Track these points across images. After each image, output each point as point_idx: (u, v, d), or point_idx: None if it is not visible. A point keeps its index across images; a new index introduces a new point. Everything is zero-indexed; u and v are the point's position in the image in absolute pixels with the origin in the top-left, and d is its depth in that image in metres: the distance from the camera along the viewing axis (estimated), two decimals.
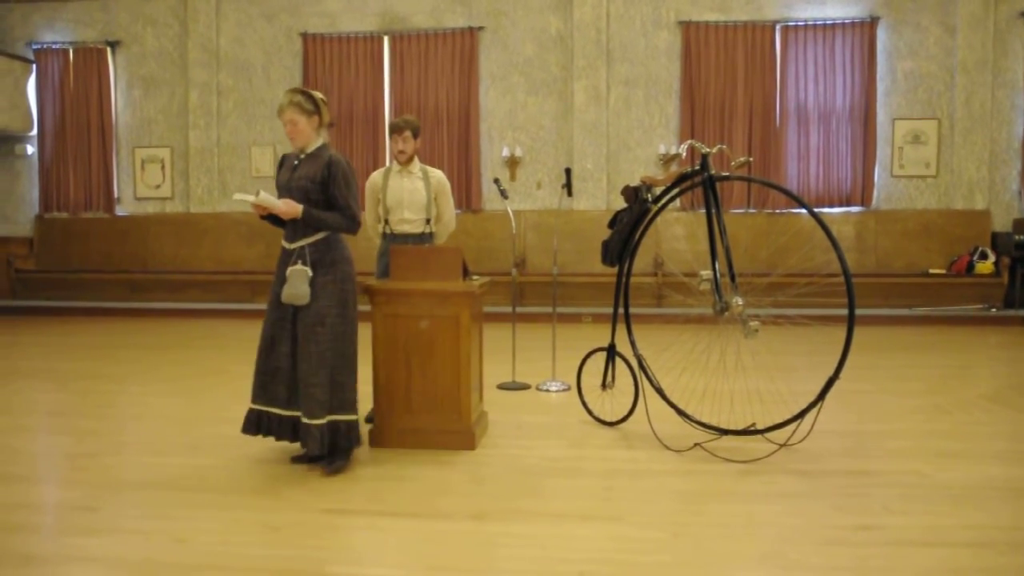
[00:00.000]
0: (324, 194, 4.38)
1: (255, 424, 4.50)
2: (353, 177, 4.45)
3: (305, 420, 4.32)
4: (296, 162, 4.49)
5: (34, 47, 13.22)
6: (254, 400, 4.50)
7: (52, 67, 13.17)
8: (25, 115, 13.08)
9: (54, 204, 13.27)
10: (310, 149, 4.48)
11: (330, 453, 4.40)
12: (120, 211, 13.21)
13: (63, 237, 13.22)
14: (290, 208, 4.31)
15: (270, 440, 4.96)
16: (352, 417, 4.43)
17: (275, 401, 4.46)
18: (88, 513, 3.80)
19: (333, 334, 4.36)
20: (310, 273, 4.33)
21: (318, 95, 4.48)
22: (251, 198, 4.28)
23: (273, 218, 4.47)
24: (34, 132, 13.28)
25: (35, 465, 4.76)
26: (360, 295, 4.58)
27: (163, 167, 13.12)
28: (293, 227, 4.43)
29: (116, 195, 13.18)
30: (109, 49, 13.09)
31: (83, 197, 13.15)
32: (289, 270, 4.35)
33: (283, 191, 4.43)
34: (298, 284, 4.30)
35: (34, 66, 13.16)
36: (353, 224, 4.43)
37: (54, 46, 13.18)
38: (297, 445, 4.56)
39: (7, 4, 13.22)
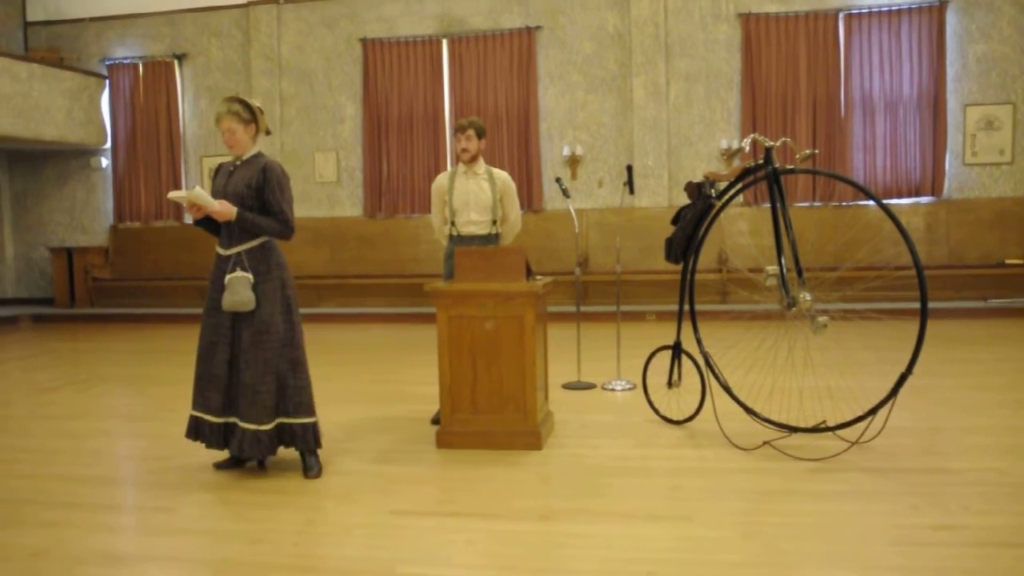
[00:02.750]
0: (259, 200, 4.35)
1: (194, 430, 4.46)
2: (288, 183, 4.44)
3: (251, 427, 4.26)
4: (232, 169, 4.46)
5: (107, 63, 13.66)
6: (193, 406, 4.45)
7: (123, 82, 13.60)
8: (99, 129, 13.52)
9: (127, 214, 13.69)
10: (246, 156, 4.45)
11: (302, 459, 4.45)
12: (188, 219, 13.54)
13: (136, 246, 13.63)
14: (225, 209, 4.26)
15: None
16: (309, 420, 4.39)
17: (210, 408, 4.39)
18: (166, 514, 3.91)
19: (281, 340, 4.33)
20: (252, 279, 4.30)
21: (255, 104, 4.48)
22: (184, 193, 4.25)
23: (207, 224, 4.42)
24: (108, 145, 13.72)
25: (115, 467, 4.91)
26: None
27: None
28: (229, 233, 4.38)
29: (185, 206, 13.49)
30: (176, 62, 13.46)
31: (154, 207, 13.54)
32: (228, 277, 4.29)
33: (218, 197, 4.37)
34: (241, 291, 4.25)
35: (107, 81, 13.59)
36: (287, 229, 4.42)
37: (125, 61, 13.60)
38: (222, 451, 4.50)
39: (82, 23, 13.68)
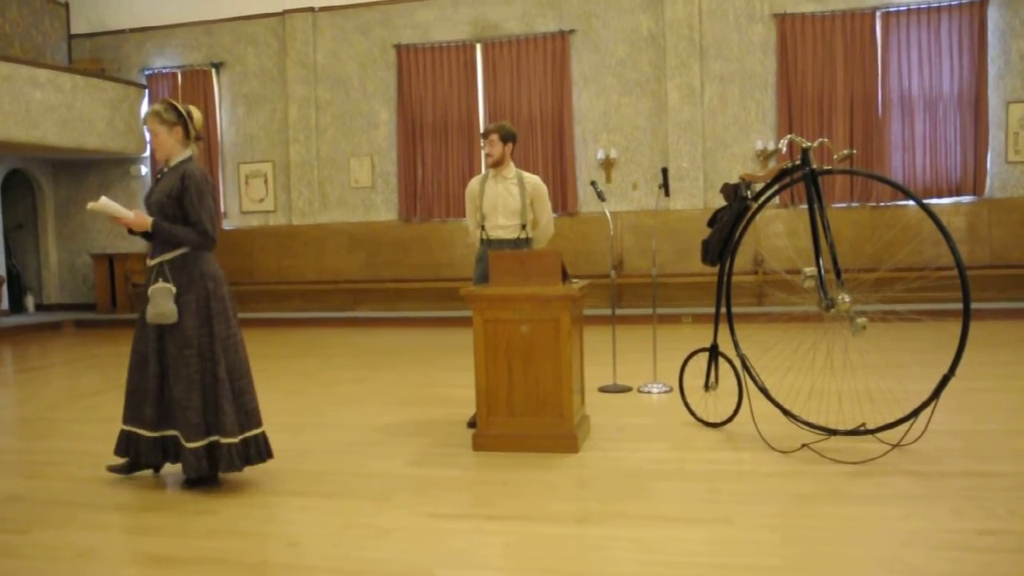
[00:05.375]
0: (180, 208, 4.23)
1: (124, 445, 4.39)
2: (208, 191, 4.28)
3: (184, 443, 4.20)
4: (160, 175, 4.39)
5: (146, 73, 13.90)
6: (124, 421, 4.39)
7: (162, 91, 13.81)
8: (139, 138, 13.74)
9: None
10: (173, 162, 4.34)
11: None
12: (227, 225, 13.72)
13: None
14: (139, 219, 4.20)
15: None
16: (231, 440, 4.21)
17: (143, 423, 4.32)
18: (207, 516, 3.96)
19: (202, 355, 4.22)
20: (173, 290, 4.19)
21: (188, 108, 4.37)
22: (92, 204, 4.22)
23: (143, 233, 4.33)
24: (147, 154, 13.93)
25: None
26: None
27: (266, 181, 13.59)
28: (153, 243, 4.31)
29: (223, 210, 13.70)
30: (214, 70, 13.65)
31: None
32: (151, 289, 4.22)
33: (146, 205, 4.34)
34: (162, 303, 4.16)
35: (146, 91, 13.81)
36: (205, 239, 4.25)
37: (164, 71, 13.82)
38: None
39: (123, 34, 13.94)
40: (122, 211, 4.24)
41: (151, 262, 4.32)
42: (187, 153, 4.37)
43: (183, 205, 4.23)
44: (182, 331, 4.20)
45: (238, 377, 4.31)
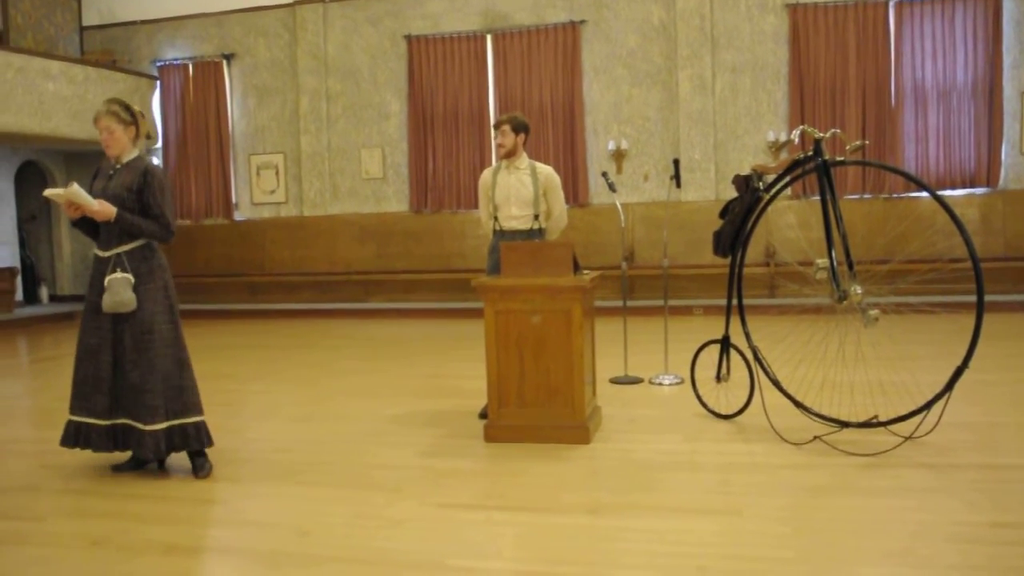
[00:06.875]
0: (140, 203, 4.32)
1: (73, 436, 4.38)
2: (168, 186, 4.41)
3: (140, 427, 4.27)
4: (112, 172, 4.43)
5: (158, 64, 13.92)
6: (72, 411, 4.38)
7: (174, 82, 13.84)
8: (151, 129, 13.75)
9: (178, 212, 13.92)
10: (126, 159, 4.42)
11: (193, 457, 4.47)
12: (238, 216, 13.75)
13: (187, 243, 13.84)
14: (104, 209, 4.22)
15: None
16: (199, 419, 4.41)
17: (94, 412, 4.33)
18: (219, 506, 3.99)
19: (164, 341, 4.33)
20: (132, 280, 4.28)
21: (136, 108, 4.47)
22: (61, 191, 4.21)
23: (84, 226, 4.42)
24: (159, 145, 13.97)
25: (168, 460, 5.00)
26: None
27: (277, 173, 13.60)
28: (108, 235, 4.36)
29: (234, 201, 13.73)
30: (225, 62, 13.66)
31: (204, 205, 13.77)
32: (108, 278, 4.27)
33: (97, 199, 4.31)
34: (121, 292, 4.23)
35: (158, 82, 13.84)
36: (167, 233, 4.38)
37: (175, 62, 13.83)
38: (113, 454, 4.51)
39: (134, 26, 13.96)
40: (89, 200, 4.24)
41: (105, 253, 4.38)
42: (136, 152, 4.49)
43: (143, 199, 4.33)
44: (142, 318, 4.30)
45: (189, 361, 4.51)
